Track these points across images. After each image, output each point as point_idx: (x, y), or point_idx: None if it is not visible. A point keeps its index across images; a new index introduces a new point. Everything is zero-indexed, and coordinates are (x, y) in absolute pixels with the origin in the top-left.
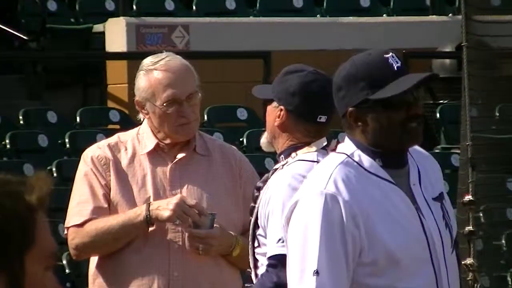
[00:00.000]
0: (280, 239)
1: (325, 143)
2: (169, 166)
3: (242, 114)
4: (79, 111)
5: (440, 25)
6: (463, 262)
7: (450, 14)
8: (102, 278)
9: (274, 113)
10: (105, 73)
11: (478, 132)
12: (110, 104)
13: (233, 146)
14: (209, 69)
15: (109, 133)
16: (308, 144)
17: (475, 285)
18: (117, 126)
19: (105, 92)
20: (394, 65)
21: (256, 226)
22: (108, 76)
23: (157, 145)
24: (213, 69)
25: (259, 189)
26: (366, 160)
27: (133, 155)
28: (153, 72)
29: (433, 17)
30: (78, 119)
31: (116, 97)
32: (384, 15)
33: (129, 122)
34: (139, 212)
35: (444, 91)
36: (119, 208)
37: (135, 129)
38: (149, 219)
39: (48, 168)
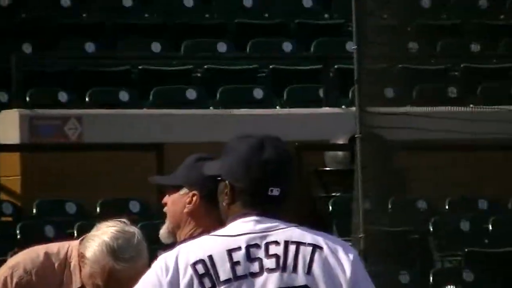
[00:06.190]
0: None
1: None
2: None
3: (134, 206)
4: None
5: (333, 116)
6: None
7: (344, 106)
8: None
9: (182, 200)
10: None
11: (371, 224)
12: (3, 196)
13: None
14: (101, 161)
15: (2, 226)
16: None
17: None
18: (10, 219)
19: None
20: None
21: None
22: (1, 168)
23: (82, 286)
24: (106, 161)
25: None
26: None
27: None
28: (112, 260)
29: (327, 109)
30: None
31: (9, 189)
32: (277, 106)
33: (22, 214)
34: None
35: (337, 184)
36: None
37: (65, 249)
38: None
39: None
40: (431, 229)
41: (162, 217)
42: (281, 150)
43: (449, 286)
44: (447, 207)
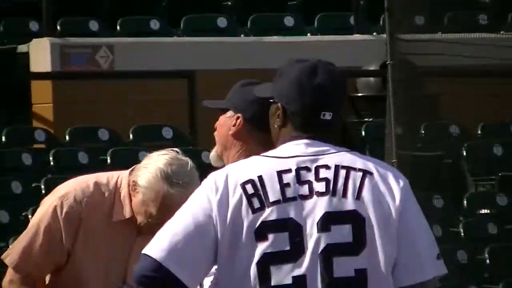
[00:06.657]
0: None
1: None
2: (137, 240)
3: (167, 133)
4: (5, 130)
5: (364, 43)
6: None
7: (375, 33)
8: None
9: (228, 123)
10: (30, 93)
11: (403, 149)
12: (36, 124)
13: None
14: (133, 89)
15: (35, 153)
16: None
17: None
18: (43, 146)
19: (30, 112)
20: None
21: None
22: (33, 96)
23: (132, 216)
24: (138, 89)
25: None
26: None
27: (107, 218)
28: (166, 185)
29: (357, 36)
30: (3, 138)
31: (42, 116)
32: (308, 34)
33: (54, 141)
34: None
35: (369, 109)
36: (78, 266)
37: (115, 179)
38: None
39: None
40: (464, 154)
41: (195, 143)
42: (334, 74)
43: (483, 210)
44: (479, 132)
